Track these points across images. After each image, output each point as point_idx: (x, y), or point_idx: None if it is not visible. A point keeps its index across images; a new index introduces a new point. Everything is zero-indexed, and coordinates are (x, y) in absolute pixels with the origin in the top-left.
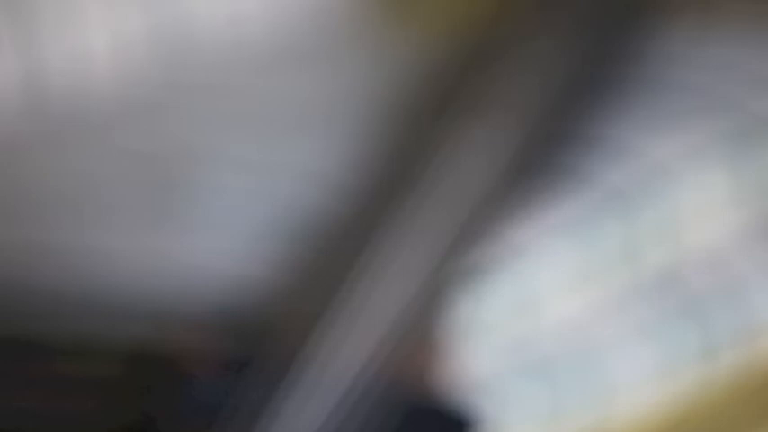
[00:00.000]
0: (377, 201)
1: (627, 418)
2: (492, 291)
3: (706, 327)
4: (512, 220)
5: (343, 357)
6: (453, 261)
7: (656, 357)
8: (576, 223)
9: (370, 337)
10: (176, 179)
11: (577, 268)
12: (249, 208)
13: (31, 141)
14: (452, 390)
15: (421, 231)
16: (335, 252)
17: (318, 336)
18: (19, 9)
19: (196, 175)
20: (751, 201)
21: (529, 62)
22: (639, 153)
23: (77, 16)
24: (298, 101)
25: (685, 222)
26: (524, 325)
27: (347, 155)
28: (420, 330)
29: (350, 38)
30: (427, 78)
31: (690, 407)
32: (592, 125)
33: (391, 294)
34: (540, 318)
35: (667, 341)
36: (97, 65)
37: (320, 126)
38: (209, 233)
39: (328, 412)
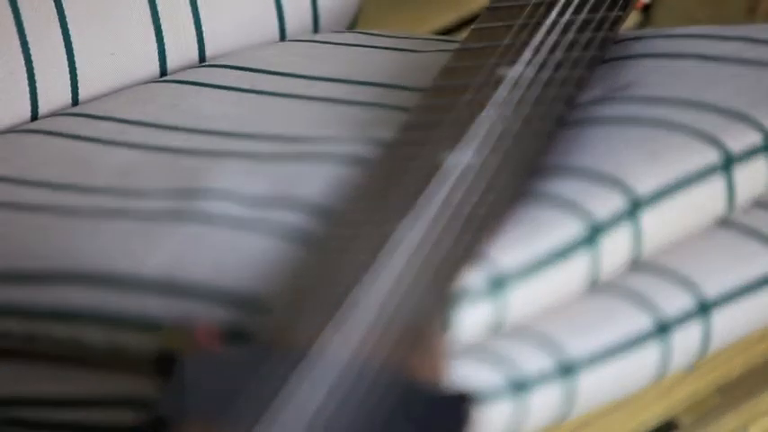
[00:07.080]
0: (377, 201)
1: None
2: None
3: None
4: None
5: (347, 344)
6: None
7: None
8: (553, 250)
9: (371, 330)
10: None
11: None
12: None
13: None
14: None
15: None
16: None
17: (322, 323)
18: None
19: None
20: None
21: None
22: (621, 184)
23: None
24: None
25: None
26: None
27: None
28: (417, 325)
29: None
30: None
31: None
32: (571, 155)
33: (390, 292)
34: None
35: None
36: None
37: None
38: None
39: (330, 396)
